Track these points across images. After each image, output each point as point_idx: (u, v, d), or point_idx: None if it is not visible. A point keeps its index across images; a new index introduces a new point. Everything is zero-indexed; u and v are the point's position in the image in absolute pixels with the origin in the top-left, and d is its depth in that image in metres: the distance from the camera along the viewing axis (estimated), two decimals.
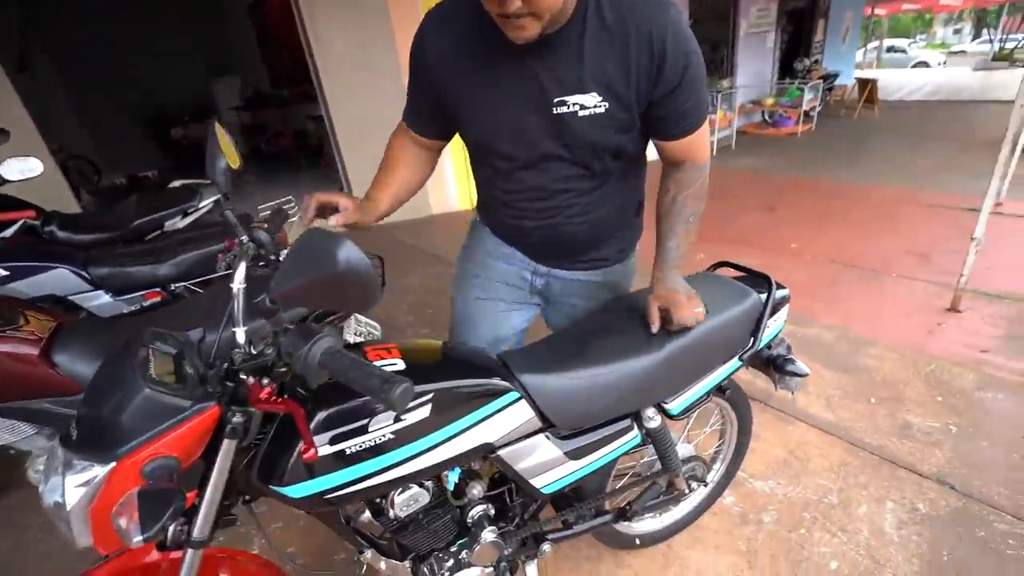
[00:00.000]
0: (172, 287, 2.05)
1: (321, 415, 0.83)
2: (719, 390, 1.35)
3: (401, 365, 0.92)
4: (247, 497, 0.92)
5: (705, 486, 1.52)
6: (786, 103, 7.89)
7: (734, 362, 1.24)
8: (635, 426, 1.17)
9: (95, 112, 7.26)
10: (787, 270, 3.36)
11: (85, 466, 0.68)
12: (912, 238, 3.69)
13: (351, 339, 1.62)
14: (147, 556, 0.93)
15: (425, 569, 1.10)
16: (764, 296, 1.23)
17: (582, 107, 0.98)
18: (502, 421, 0.98)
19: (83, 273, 1.95)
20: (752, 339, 1.23)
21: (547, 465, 1.08)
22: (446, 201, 5.09)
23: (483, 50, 0.98)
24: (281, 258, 1.03)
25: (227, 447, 0.78)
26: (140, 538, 0.60)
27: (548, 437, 1.07)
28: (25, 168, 2.01)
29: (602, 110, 0.98)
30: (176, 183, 2.86)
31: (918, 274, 3.15)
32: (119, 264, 1.99)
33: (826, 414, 2.07)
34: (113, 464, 0.68)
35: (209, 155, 0.93)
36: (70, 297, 1.96)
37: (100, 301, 1.99)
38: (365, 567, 1.10)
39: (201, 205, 2.65)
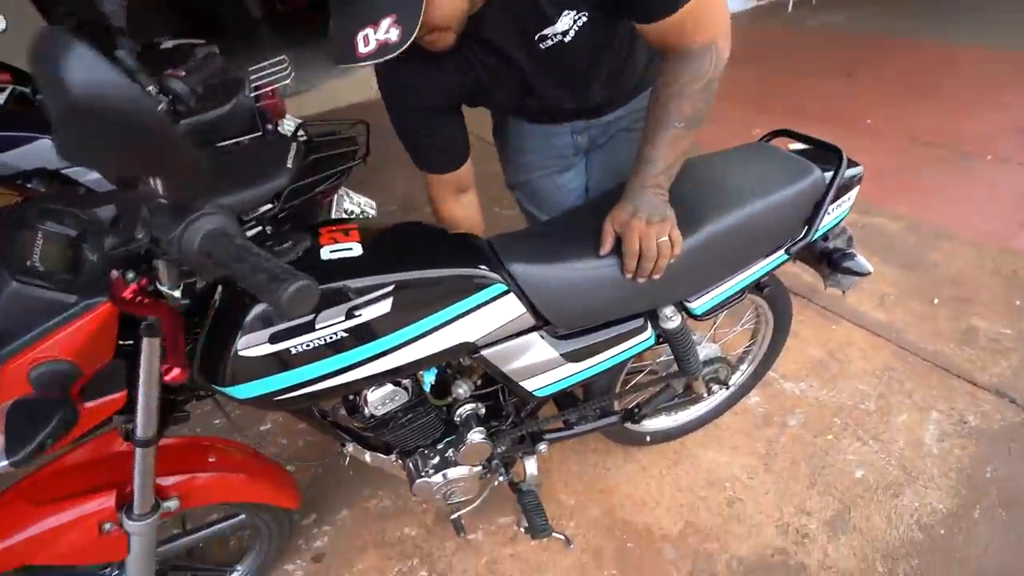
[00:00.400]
0: None
1: (256, 310, 0.70)
2: (756, 286, 1.14)
3: (357, 250, 0.76)
4: (202, 392, 0.84)
5: (728, 389, 1.38)
6: None
7: (779, 255, 1.02)
8: (648, 326, 1.00)
9: None
10: (855, 149, 2.88)
11: None
12: (1022, 114, 3.07)
13: (341, 216, 1.47)
14: (115, 446, 0.90)
15: (410, 464, 1.05)
16: (830, 174, 0.97)
17: (564, 33, 0.85)
18: (485, 317, 0.83)
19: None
20: (807, 228, 1.00)
21: (541, 367, 0.95)
22: None
23: (440, 53, 0.83)
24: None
25: (148, 344, 0.66)
26: (4, 462, 0.50)
27: (543, 336, 0.93)
28: None
29: (583, 20, 0.84)
30: (168, 43, 2.59)
31: (1020, 157, 2.65)
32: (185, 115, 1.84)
33: (877, 313, 1.85)
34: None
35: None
36: (63, 171, 1.85)
37: (94, 176, 1.88)
38: (348, 459, 1.05)
39: (200, 54, 2.41)
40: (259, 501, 1.03)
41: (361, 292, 0.73)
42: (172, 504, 0.88)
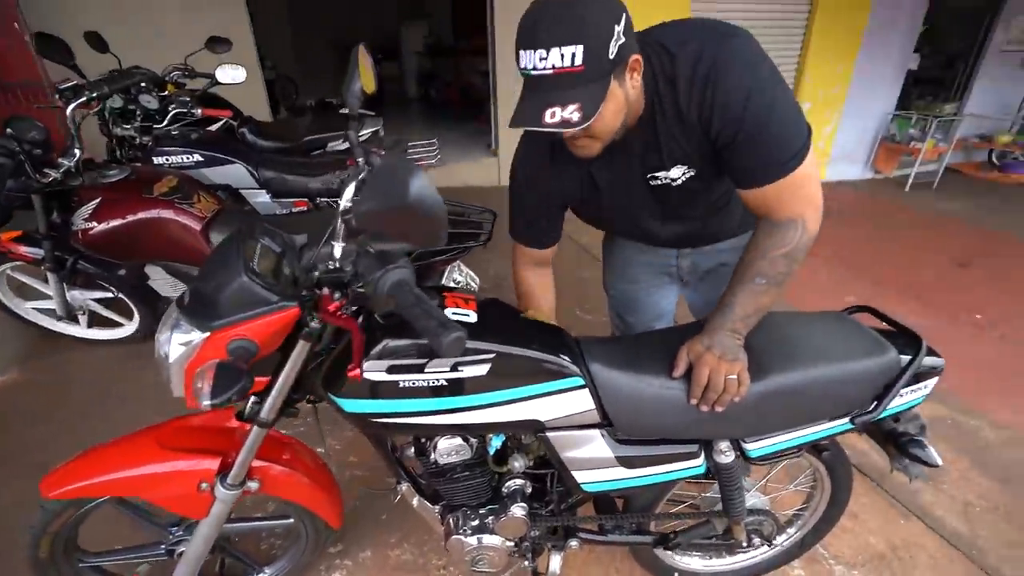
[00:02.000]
0: (317, 200, 2.29)
1: (387, 343, 0.86)
2: (815, 448, 1.16)
3: (473, 318, 0.92)
4: (312, 397, 1.00)
5: (770, 547, 1.34)
6: None
7: (842, 422, 1.05)
8: (703, 454, 1.05)
9: (306, 42, 8.27)
10: (961, 342, 2.78)
11: (188, 329, 0.79)
12: None
13: (449, 286, 1.68)
14: (228, 421, 1.08)
15: (451, 520, 1.13)
16: (906, 358, 1.02)
17: (672, 180, 1.02)
18: (558, 403, 0.95)
19: (254, 172, 2.25)
20: (875, 404, 1.03)
21: (594, 463, 1.02)
22: None
23: (574, 161, 1.01)
24: None
25: (300, 347, 0.85)
26: (208, 403, 0.67)
27: (603, 435, 1.01)
28: (234, 75, 2.35)
29: (692, 173, 1.01)
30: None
31: None
32: (281, 171, 2.26)
33: (958, 522, 1.71)
34: (208, 334, 0.78)
35: (347, 76, 0.98)
36: (241, 190, 2.29)
37: (261, 199, 2.29)
38: (399, 497, 1.15)
39: (361, 132, 2.90)
40: (314, 510, 1.14)
41: (468, 353, 0.88)
42: (254, 485, 1.02)
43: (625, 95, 0.88)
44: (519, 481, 1.10)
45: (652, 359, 1.01)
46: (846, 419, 1.05)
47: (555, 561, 1.25)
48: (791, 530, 1.42)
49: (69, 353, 2.14)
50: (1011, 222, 4.94)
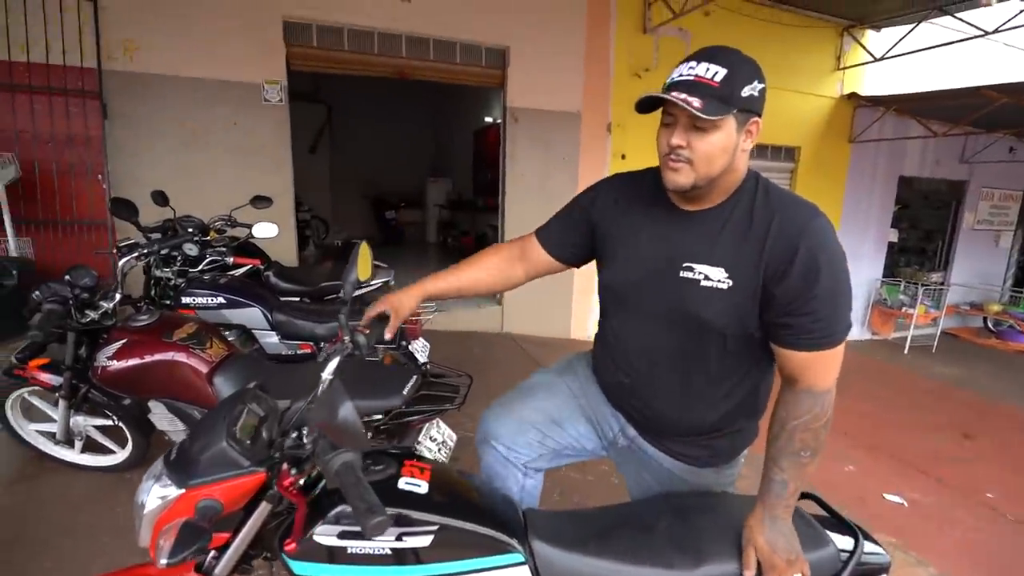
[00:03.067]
0: (321, 344, 2.48)
1: (338, 509, 0.94)
2: None
3: (424, 489, 1.01)
4: (269, 555, 1.05)
5: None
6: (1020, 315, 6.57)
7: None
8: None
9: (341, 188, 9.35)
10: (974, 524, 2.65)
11: (167, 484, 0.89)
12: None
13: (426, 443, 1.76)
14: (187, 574, 1.11)
15: None
16: (845, 554, 1.05)
17: (706, 277, 1.04)
18: None
19: (268, 316, 2.48)
20: None
21: None
22: (586, 329, 5.26)
23: (649, 209, 1.15)
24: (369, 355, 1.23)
25: (262, 508, 0.93)
26: (164, 562, 0.75)
27: None
28: (268, 231, 2.72)
29: (725, 287, 1.02)
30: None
31: None
32: (292, 316, 2.49)
33: None
34: (183, 491, 0.87)
35: (347, 268, 1.19)
36: (255, 331, 2.50)
37: (270, 340, 2.49)
38: None
39: (372, 283, 3.20)
40: None
41: (413, 523, 0.95)
42: None
43: (735, 145, 0.99)
44: None
45: (601, 537, 1.04)
46: None
47: None
48: None
49: (54, 476, 2.18)
50: (1013, 392, 4.92)
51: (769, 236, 0.99)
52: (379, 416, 1.61)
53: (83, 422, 2.09)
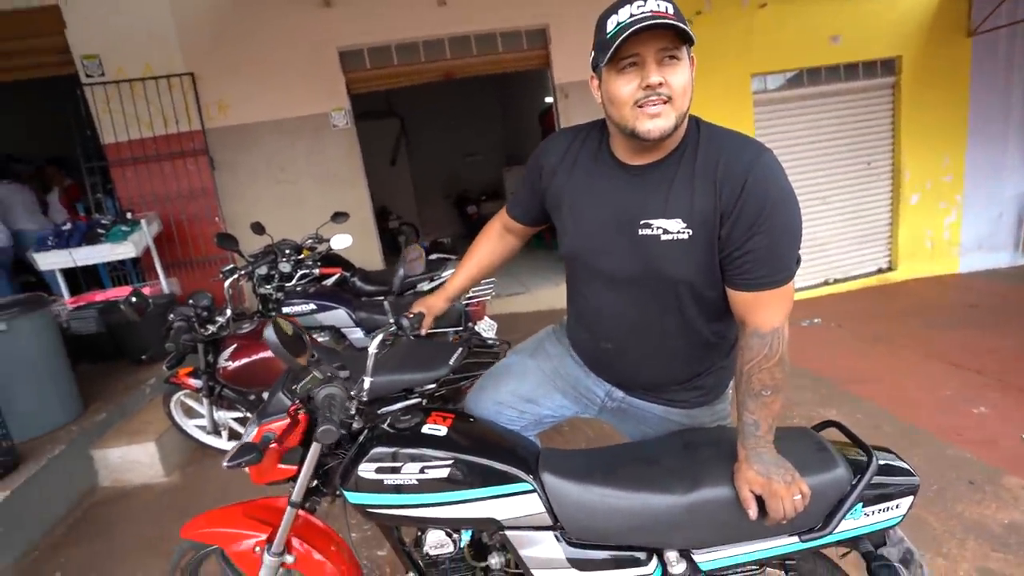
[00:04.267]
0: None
1: (375, 449, 1.17)
2: (783, 566, 1.16)
3: (443, 432, 1.20)
4: (338, 493, 1.31)
5: None
6: None
7: (792, 541, 1.08)
8: (654, 563, 1.14)
9: (425, 193, 9.95)
10: None
11: (252, 423, 1.20)
12: None
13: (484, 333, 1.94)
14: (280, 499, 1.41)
15: None
16: (858, 475, 1.05)
17: (665, 231, 1.02)
18: (510, 505, 1.14)
19: (352, 315, 2.85)
20: (825, 521, 1.06)
21: (549, 563, 1.16)
22: None
23: (593, 169, 1.13)
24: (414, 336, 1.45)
25: (314, 448, 1.19)
26: (224, 464, 1.04)
27: (557, 537, 1.16)
28: (343, 241, 3.11)
29: (685, 236, 1.02)
30: (434, 256, 3.83)
31: None
32: (372, 312, 2.84)
33: None
34: (257, 427, 1.17)
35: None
36: (343, 329, 2.89)
37: (356, 335, 2.87)
38: None
39: (444, 274, 3.49)
40: None
41: (432, 458, 1.14)
42: (289, 559, 1.31)
43: (690, 79, 0.97)
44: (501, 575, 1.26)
45: (603, 469, 1.16)
46: (794, 537, 1.08)
47: None
48: None
49: (212, 460, 2.76)
50: None
51: (718, 178, 0.98)
52: (432, 384, 1.83)
53: (224, 416, 2.61)
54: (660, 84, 0.94)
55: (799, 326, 4.48)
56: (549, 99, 8.08)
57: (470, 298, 2.67)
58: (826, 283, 5.58)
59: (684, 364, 1.20)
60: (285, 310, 2.84)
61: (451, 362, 1.89)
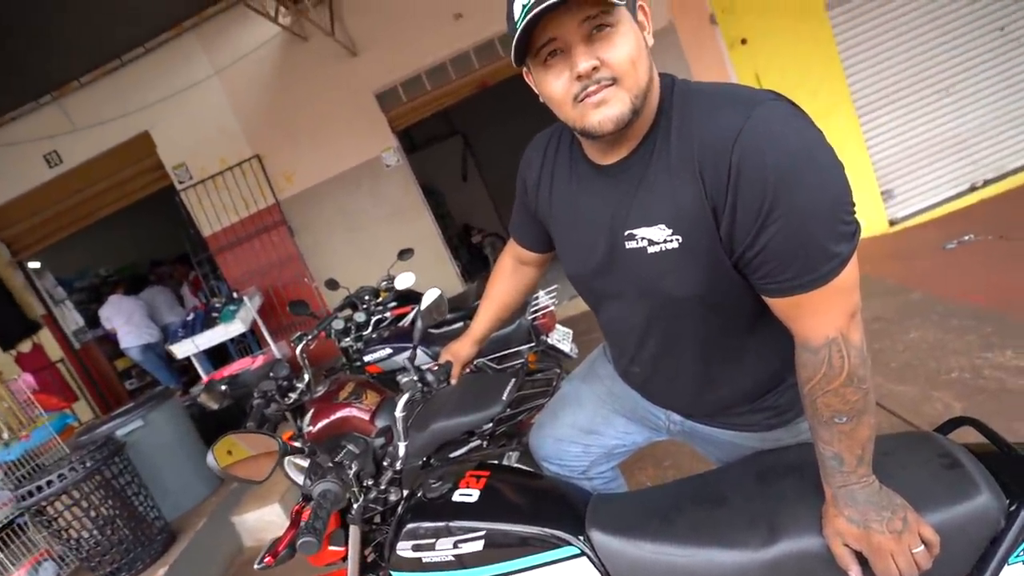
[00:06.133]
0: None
1: (409, 525, 1.10)
2: None
3: (474, 498, 1.10)
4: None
5: None
6: None
7: None
8: None
9: (502, 201, 9.98)
10: None
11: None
12: None
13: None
14: None
15: None
16: (1013, 503, 0.75)
17: (650, 242, 0.82)
18: (558, 573, 1.00)
19: (427, 351, 2.87)
20: (976, 571, 0.77)
21: None
22: None
23: (570, 177, 0.95)
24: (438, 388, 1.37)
25: (353, 532, 1.15)
26: (256, 566, 1.02)
27: None
28: (407, 280, 3.16)
29: (674, 245, 0.80)
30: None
31: None
32: (443, 344, 2.83)
33: None
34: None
35: (416, 314, 1.36)
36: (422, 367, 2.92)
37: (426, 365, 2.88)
38: None
39: (544, 300, 3.33)
40: None
41: (464, 530, 1.04)
42: None
43: (639, 44, 0.76)
44: None
45: (666, 518, 0.98)
46: None
47: None
48: None
49: None
50: None
51: (697, 161, 0.75)
52: (489, 424, 1.74)
53: None
54: (595, 68, 0.73)
55: (943, 250, 3.67)
56: None
57: (535, 311, 2.54)
58: (973, 188, 4.52)
59: (737, 388, 0.98)
60: (367, 359, 2.95)
61: (504, 397, 1.79)
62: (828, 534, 0.78)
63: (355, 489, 1.13)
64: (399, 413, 1.22)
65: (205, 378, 4.24)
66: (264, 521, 2.85)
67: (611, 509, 1.04)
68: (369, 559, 1.32)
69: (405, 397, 1.25)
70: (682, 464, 2.26)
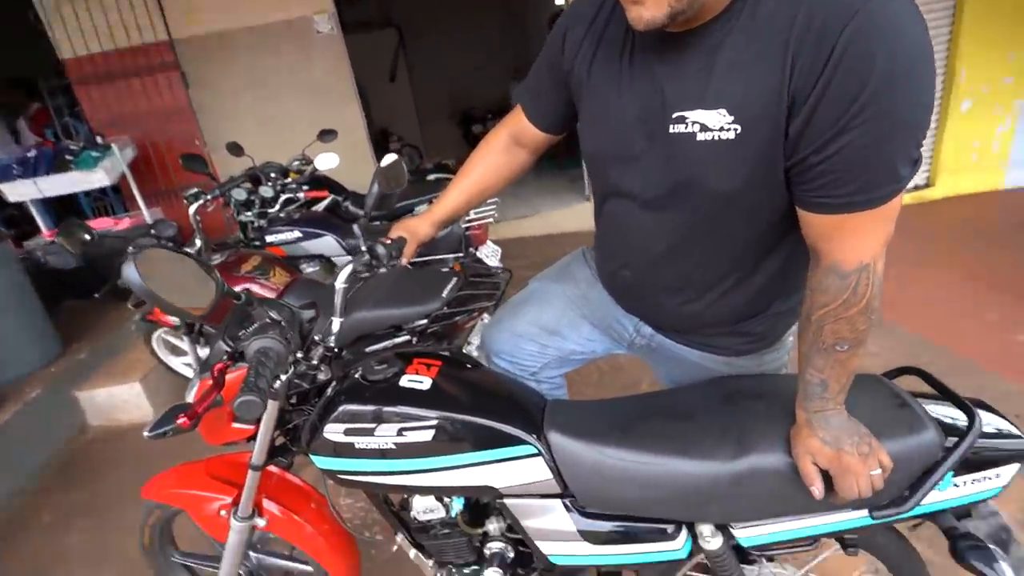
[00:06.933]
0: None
1: (343, 407, 0.95)
2: (841, 541, 0.96)
3: (426, 384, 0.98)
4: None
5: None
6: None
7: (859, 515, 0.87)
8: (684, 537, 0.94)
9: (427, 112, 9.32)
10: None
11: (195, 380, 1.02)
12: None
13: (476, 343, 1.76)
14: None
15: (441, 574, 1.15)
16: (954, 439, 0.81)
17: (703, 128, 0.73)
18: (511, 470, 0.94)
19: (342, 242, 2.60)
20: (909, 493, 0.83)
21: (557, 535, 0.98)
22: None
23: (622, 45, 0.83)
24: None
25: (269, 408, 0.99)
26: (145, 434, 0.85)
27: (566, 506, 0.97)
28: (329, 161, 2.79)
29: (730, 136, 0.72)
30: (432, 176, 3.49)
31: None
32: (363, 239, 2.58)
33: None
34: (198, 384, 1.00)
35: (371, 180, 1.14)
36: (332, 258, 2.65)
37: (343, 259, 2.62)
38: (396, 547, 1.21)
39: (481, 214, 3.14)
40: (318, 560, 1.24)
41: (412, 417, 0.93)
42: (261, 522, 1.16)
43: None
44: (499, 544, 1.09)
45: (626, 427, 0.94)
46: (863, 512, 0.86)
47: None
48: None
49: None
50: None
51: (793, 40, 0.64)
52: (423, 320, 1.61)
53: (205, 352, 2.45)
54: None
55: None
56: (559, 0, 7.33)
57: (470, 220, 2.39)
58: None
59: (726, 305, 0.94)
60: (269, 239, 2.59)
61: (444, 294, 1.66)
62: (799, 453, 0.80)
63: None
64: (340, 284, 1.05)
65: (46, 232, 3.48)
66: (119, 400, 2.47)
67: (570, 414, 0.99)
68: (278, 443, 1.16)
69: (349, 268, 1.08)
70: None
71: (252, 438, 1.09)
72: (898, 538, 0.99)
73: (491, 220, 2.47)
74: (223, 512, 1.17)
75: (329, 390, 1.04)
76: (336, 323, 1.04)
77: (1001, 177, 5.27)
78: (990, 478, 0.85)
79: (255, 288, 1.85)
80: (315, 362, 1.01)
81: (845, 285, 0.73)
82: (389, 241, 1.19)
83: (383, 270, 1.15)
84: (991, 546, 0.84)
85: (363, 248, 1.14)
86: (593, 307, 1.14)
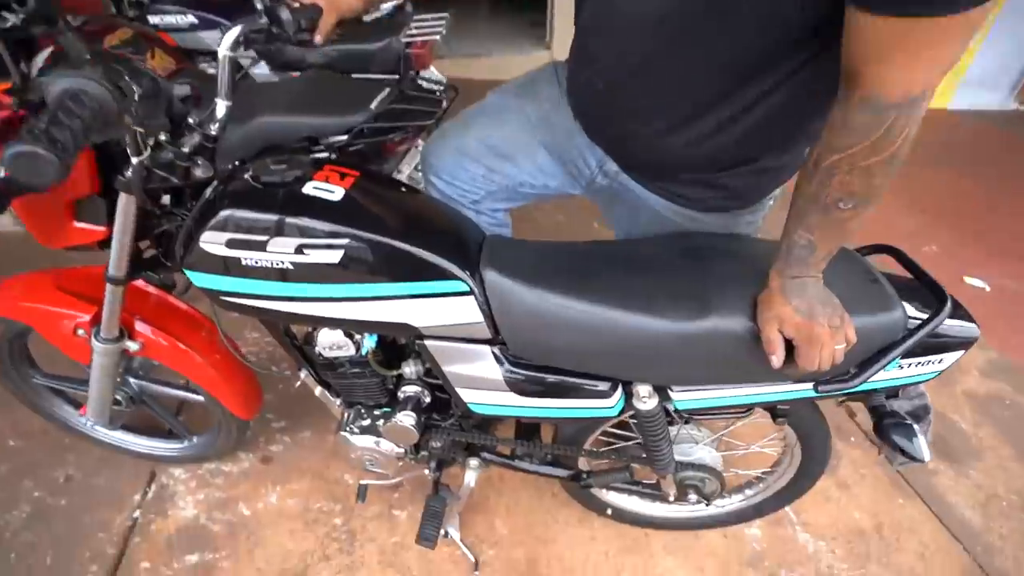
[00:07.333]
0: None
1: (225, 212, 0.73)
2: (771, 411, 0.96)
3: (338, 195, 0.77)
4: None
5: (707, 505, 1.18)
6: None
7: (803, 388, 0.83)
8: (617, 395, 0.88)
9: None
10: None
11: None
12: None
13: (408, 172, 1.53)
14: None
15: (345, 414, 1.06)
16: (917, 320, 0.77)
17: None
18: (435, 309, 0.79)
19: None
20: (857, 371, 0.79)
21: (481, 383, 0.89)
22: None
23: None
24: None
25: (124, 201, 0.75)
26: None
27: (494, 353, 0.86)
28: None
29: None
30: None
31: None
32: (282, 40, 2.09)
33: (971, 513, 1.45)
34: None
35: None
36: (239, 58, 2.15)
37: (259, 71, 2.15)
38: (299, 383, 1.09)
39: (384, 6, 2.62)
40: (209, 390, 1.11)
41: (316, 233, 0.73)
42: (133, 346, 1.00)
43: None
44: (415, 388, 1.00)
45: (572, 272, 0.82)
46: (807, 385, 0.83)
47: (470, 476, 1.17)
48: (748, 491, 1.25)
49: None
50: None
51: None
52: (344, 136, 1.33)
53: None
54: None
55: None
56: None
57: (412, 35, 1.97)
58: None
59: (709, 147, 0.79)
60: (153, 21, 2.03)
61: (373, 105, 1.36)
62: (767, 319, 0.72)
63: (137, 130, 0.68)
64: (225, 51, 0.77)
65: None
66: None
67: (512, 253, 0.84)
68: (146, 255, 0.94)
69: (236, 30, 0.79)
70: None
71: (107, 244, 0.86)
72: (814, 409, 1.00)
73: (438, 37, 2.05)
74: (81, 331, 0.97)
75: (209, 191, 0.80)
76: (221, 106, 0.79)
77: (952, 95, 5.31)
78: (933, 363, 0.83)
79: None
80: (186, 150, 0.76)
81: (879, 122, 0.57)
82: (300, 5, 0.88)
83: (292, 50, 0.87)
84: (912, 423, 0.85)
85: (260, 6, 0.83)
86: (554, 132, 0.96)
